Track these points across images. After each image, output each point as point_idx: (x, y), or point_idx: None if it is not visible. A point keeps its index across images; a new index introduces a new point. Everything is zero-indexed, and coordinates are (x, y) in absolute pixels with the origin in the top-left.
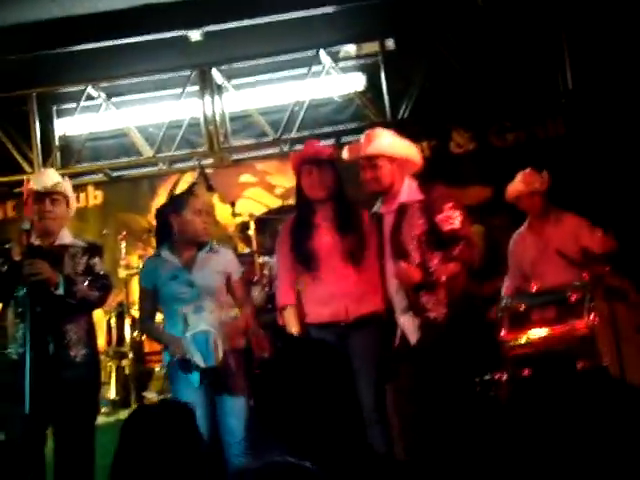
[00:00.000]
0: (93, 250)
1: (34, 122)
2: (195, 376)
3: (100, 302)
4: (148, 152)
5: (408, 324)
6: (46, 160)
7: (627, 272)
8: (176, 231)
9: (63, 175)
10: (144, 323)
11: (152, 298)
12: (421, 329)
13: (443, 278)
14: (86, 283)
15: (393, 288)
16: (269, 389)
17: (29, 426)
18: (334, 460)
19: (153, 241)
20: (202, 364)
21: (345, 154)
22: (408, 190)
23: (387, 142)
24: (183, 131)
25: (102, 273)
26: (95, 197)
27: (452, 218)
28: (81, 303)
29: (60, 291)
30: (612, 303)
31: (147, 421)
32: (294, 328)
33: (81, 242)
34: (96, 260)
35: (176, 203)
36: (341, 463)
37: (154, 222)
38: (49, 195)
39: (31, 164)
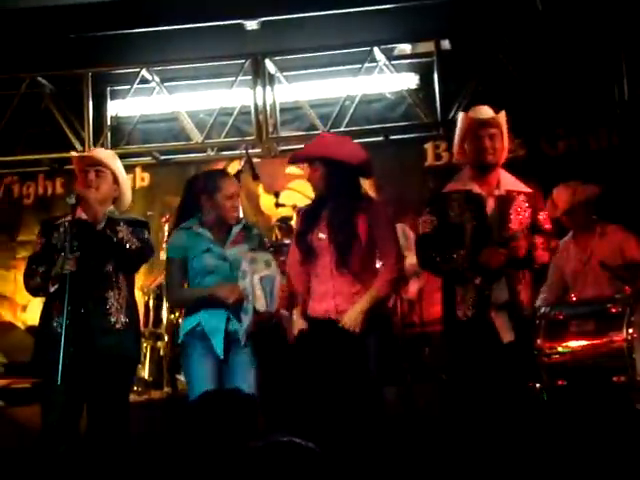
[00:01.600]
0: (136, 223)
1: (88, 102)
2: (219, 341)
3: (139, 254)
4: (197, 138)
5: (503, 321)
6: (97, 139)
7: None
8: (206, 210)
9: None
10: (176, 290)
11: (182, 269)
12: (515, 328)
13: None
14: (128, 230)
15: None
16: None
17: (63, 396)
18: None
19: None
20: (262, 308)
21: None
22: (508, 179)
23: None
24: (233, 119)
25: (146, 237)
26: (142, 179)
27: (548, 218)
28: (120, 246)
29: (101, 226)
30: None
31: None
32: (299, 320)
33: (126, 217)
34: (139, 229)
35: (209, 184)
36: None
37: None
38: (94, 168)
39: (82, 143)
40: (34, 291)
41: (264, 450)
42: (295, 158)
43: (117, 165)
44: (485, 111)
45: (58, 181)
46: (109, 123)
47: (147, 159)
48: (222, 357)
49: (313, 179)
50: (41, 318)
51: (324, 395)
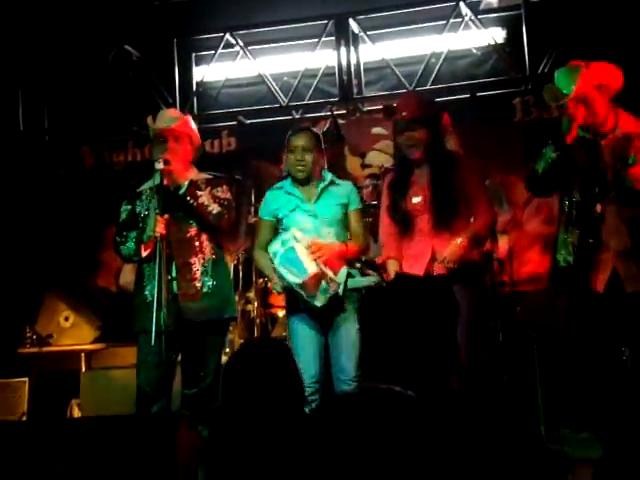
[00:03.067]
0: (217, 180)
1: (174, 68)
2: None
3: (219, 218)
4: (282, 100)
5: (629, 270)
6: (184, 105)
7: None
8: (285, 167)
9: (199, 119)
10: (257, 252)
11: (268, 230)
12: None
13: None
14: (210, 194)
15: (612, 227)
16: (375, 320)
17: (156, 358)
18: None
19: None
20: (298, 280)
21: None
22: (623, 118)
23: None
24: (317, 80)
25: (227, 196)
26: (229, 143)
27: None
28: (201, 210)
29: (182, 191)
30: None
31: (250, 355)
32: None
33: (206, 175)
34: (219, 188)
35: (285, 141)
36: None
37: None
38: (170, 134)
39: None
40: (126, 257)
41: (362, 397)
42: (399, 116)
43: (188, 124)
44: None
45: (147, 148)
46: (195, 89)
47: (233, 123)
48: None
49: (412, 139)
50: (135, 284)
51: (415, 343)
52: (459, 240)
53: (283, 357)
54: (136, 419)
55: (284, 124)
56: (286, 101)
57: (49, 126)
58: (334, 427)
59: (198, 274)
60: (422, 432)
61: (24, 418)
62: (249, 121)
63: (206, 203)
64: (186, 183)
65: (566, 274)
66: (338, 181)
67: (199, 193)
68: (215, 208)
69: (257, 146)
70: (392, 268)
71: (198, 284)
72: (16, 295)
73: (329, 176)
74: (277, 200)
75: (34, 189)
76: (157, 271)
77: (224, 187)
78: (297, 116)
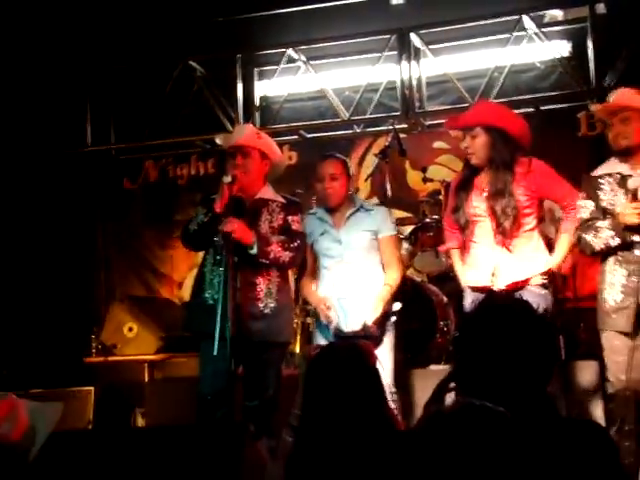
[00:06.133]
0: (292, 207)
1: (237, 83)
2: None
3: (292, 263)
4: (343, 114)
5: None
6: (247, 120)
7: None
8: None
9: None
10: (303, 281)
11: (311, 254)
12: None
13: None
14: (280, 244)
15: None
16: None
17: (218, 366)
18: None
19: None
20: (344, 329)
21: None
22: None
23: (632, 95)
24: (379, 95)
25: (298, 231)
26: (290, 158)
27: None
28: (273, 263)
29: (254, 251)
30: None
31: (333, 357)
32: (459, 268)
33: (281, 198)
34: (294, 217)
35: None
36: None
37: None
38: (240, 150)
39: (232, 123)
40: (191, 237)
41: (457, 414)
42: (455, 124)
43: (262, 141)
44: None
45: (210, 162)
46: (257, 103)
47: (294, 137)
48: None
49: (472, 146)
50: (193, 288)
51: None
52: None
53: (364, 359)
54: (201, 429)
55: (345, 138)
56: (347, 115)
57: (115, 140)
58: (432, 443)
59: (262, 295)
60: (516, 449)
61: (90, 427)
62: (310, 135)
63: (277, 256)
64: (256, 244)
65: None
66: (369, 207)
67: (269, 249)
68: (286, 257)
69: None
70: (457, 260)
71: (261, 305)
72: (84, 305)
73: (359, 202)
74: (310, 224)
75: (100, 202)
76: (224, 278)
77: (298, 216)
78: (358, 130)
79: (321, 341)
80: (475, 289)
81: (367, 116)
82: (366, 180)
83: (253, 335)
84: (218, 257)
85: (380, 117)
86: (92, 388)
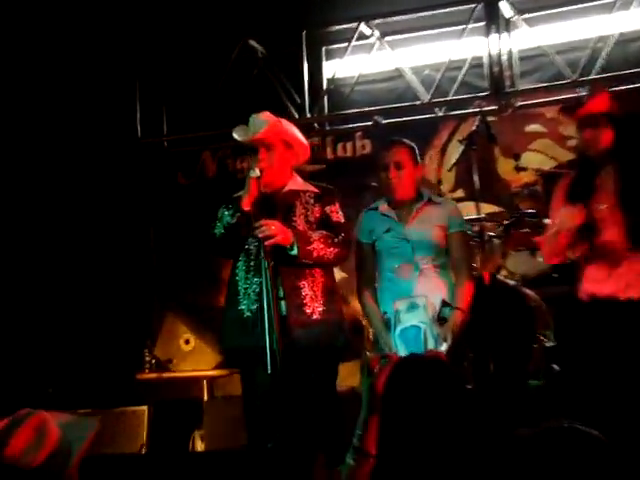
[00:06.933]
0: (327, 195)
1: (303, 64)
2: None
3: (338, 259)
4: (424, 96)
5: None
6: (314, 105)
7: None
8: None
9: (330, 120)
10: (362, 290)
11: (371, 256)
12: None
13: None
14: (322, 240)
15: None
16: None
17: (272, 386)
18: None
19: None
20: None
21: None
22: None
23: None
24: (464, 73)
25: (340, 222)
26: (363, 146)
27: None
28: (316, 262)
29: (294, 252)
30: None
31: (417, 369)
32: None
33: (313, 187)
34: (332, 207)
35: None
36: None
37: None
38: (262, 143)
39: (298, 108)
40: (218, 243)
41: (543, 437)
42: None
43: (285, 129)
44: None
45: None
46: (326, 86)
47: (368, 123)
48: None
49: (596, 140)
50: (226, 298)
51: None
52: None
53: (450, 370)
54: (268, 452)
55: (426, 123)
56: (428, 97)
57: (168, 131)
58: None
59: (308, 299)
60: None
61: (143, 451)
62: (386, 121)
63: (321, 254)
64: (295, 242)
65: None
66: (438, 199)
67: (311, 248)
68: (331, 254)
69: None
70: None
71: (308, 310)
72: (135, 316)
73: (426, 194)
74: (372, 221)
75: (152, 200)
76: (266, 286)
77: (336, 205)
78: (440, 114)
79: (385, 349)
80: (596, 300)
81: (450, 97)
82: (450, 170)
83: (305, 343)
84: (253, 263)
85: (465, 98)
86: (145, 407)
